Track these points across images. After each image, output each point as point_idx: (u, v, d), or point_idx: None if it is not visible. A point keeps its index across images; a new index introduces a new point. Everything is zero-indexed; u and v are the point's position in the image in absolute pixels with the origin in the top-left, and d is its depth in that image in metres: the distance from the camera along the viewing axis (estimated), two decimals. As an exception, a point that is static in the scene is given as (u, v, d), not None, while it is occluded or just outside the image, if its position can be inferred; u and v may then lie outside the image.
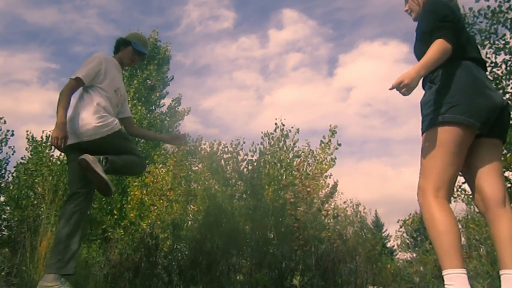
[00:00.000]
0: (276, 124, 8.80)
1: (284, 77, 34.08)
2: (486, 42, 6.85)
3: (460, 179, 6.89)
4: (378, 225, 22.24)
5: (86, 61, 2.60)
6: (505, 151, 6.22)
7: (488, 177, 1.64)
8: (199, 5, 29.11)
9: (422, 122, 1.69)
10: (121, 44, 2.84)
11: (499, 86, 6.79)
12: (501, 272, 1.56)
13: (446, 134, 1.56)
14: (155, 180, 7.03)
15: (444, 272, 1.46)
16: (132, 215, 7.69)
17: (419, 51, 1.76)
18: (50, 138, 2.31)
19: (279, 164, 7.00)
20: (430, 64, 1.58)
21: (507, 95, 6.79)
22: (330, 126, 8.98)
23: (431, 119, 1.61)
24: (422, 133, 1.68)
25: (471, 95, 1.59)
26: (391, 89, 1.54)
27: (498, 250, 1.58)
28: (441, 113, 1.57)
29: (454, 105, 1.56)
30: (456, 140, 1.57)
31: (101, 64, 2.60)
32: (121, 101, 2.76)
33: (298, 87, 37.12)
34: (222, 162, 5.41)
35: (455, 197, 6.84)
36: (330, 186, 4.42)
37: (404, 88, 1.53)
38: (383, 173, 35.70)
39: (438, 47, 1.59)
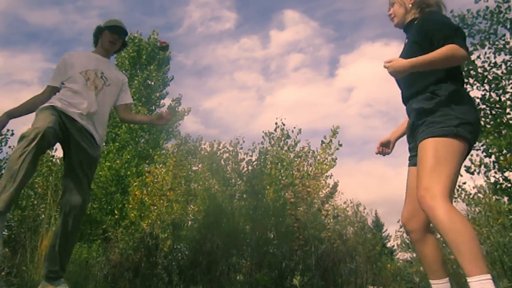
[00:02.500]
0: (276, 123, 8.82)
1: (285, 77, 34.13)
2: (486, 43, 6.86)
3: (461, 179, 6.91)
4: (378, 225, 22.23)
5: None
6: (505, 151, 6.22)
7: None
8: (201, 6, 29.17)
9: (427, 126, 1.66)
10: (97, 33, 2.90)
11: (499, 86, 6.80)
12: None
13: (460, 147, 1.60)
14: (155, 180, 7.04)
15: (475, 278, 1.37)
16: (132, 215, 7.70)
17: (413, 55, 1.71)
18: None
19: (279, 164, 7.00)
20: (429, 62, 1.61)
21: (507, 95, 6.79)
22: (333, 126, 9.01)
23: (444, 128, 1.61)
24: (427, 137, 1.64)
25: (476, 118, 1.67)
26: (386, 66, 1.69)
27: (425, 267, 1.82)
28: (455, 125, 1.59)
29: (465, 123, 1.60)
30: (464, 154, 1.63)
31: (63, 61, 2.73)
32: (99, 83, 2.71)
33: (299, 88, 37.18)
34: (222, 162, 5.41)
35: (455, 197, 6.84)
36: (331, 186, 4.42)
37: (390, 71, 1.68)
38: (383, 173, 35.75)
39: (449, 50, 1.59)
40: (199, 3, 29.41)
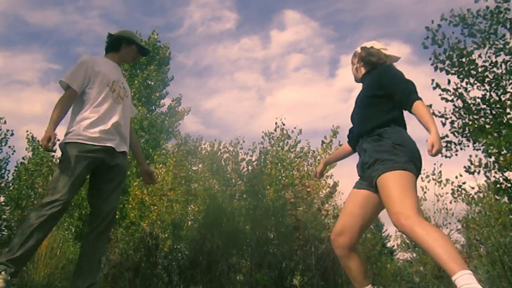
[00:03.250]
0: (276, 123, 8.83)
1: (286, 78, 34.04)
2: (486, 43, 6.85)
3: (461, 179, 6.90)
4: (378, 225, 22.25)
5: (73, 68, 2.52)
6: (505, 151, 6.22)
7: (363, 227, 2.06)
8: (201, 6, 29.04)
9: (380, 164, 1.89)
10: (123, 42, 2.72)
11: (499, 86, 6.80)
12: None
13: (411, 177, 1.85)
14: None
15: (457, 275, 1.50)
16: (132, 215, 7.70)
17: (374, 108, 2.03)
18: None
19: (279, 164, 7.01)
20: (432, 123, 1.87)
21: (507, 95, 6.79)
22: (333, 126, 9.03)
23: (395, 165, 1.85)
24: (383, 173, 1.86)
25: (419, 156, 1.94)
26: (434, 155, 1.83)
27: (351, 278, 2.08)
28: (403, 162, 1.85)
29: (410, 161, 1.88)
30: (415, 182, 1.88)
31: (85, 65, 2.49)
32: (123, 94, 2.61)
33: (300, 88, 37.07)
34: (222, 162, 5.42)
35: (455, 197, 6.84)
36: (331, 186, 4.42)
37: (439, 151, 1.83)
38: (383, 173, 35.65)
39: (425, 108, 1.90)
40: (200, 4, 29.38)
